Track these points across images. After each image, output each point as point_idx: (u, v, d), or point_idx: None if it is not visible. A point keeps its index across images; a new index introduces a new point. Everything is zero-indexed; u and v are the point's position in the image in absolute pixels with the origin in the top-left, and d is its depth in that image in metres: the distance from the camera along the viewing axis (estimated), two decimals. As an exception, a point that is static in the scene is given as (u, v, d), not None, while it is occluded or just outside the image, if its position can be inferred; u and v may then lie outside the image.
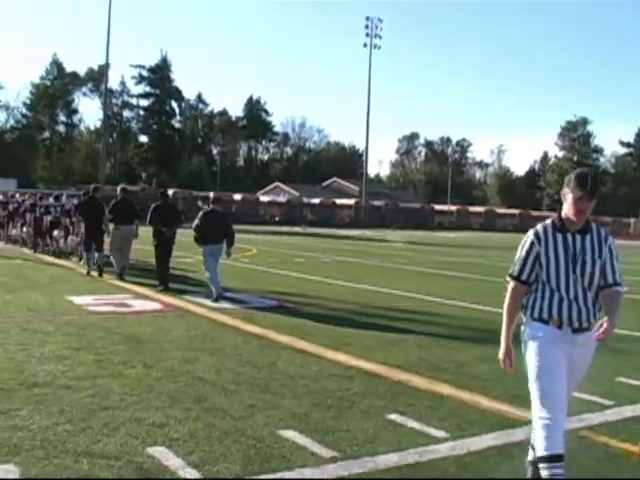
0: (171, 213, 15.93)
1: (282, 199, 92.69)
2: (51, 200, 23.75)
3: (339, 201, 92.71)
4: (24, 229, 25.54)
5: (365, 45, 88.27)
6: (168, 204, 16.29)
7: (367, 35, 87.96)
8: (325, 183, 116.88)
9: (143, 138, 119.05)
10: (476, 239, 57.60)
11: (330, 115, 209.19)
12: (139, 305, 12.64)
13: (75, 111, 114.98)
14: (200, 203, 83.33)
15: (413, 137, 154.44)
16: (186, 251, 26.89)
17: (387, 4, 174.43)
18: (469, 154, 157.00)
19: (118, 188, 17.99)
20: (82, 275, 17.41)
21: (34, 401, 6.40)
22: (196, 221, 14.29)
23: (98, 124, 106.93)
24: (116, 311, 11.87)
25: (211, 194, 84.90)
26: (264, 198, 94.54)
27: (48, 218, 22.99)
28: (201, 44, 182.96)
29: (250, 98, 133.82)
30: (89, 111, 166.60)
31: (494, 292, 17.00)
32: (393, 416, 6.28)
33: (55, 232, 22.75)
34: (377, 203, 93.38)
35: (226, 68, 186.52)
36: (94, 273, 17.28)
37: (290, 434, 5.71)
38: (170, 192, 75.57)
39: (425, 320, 12.24)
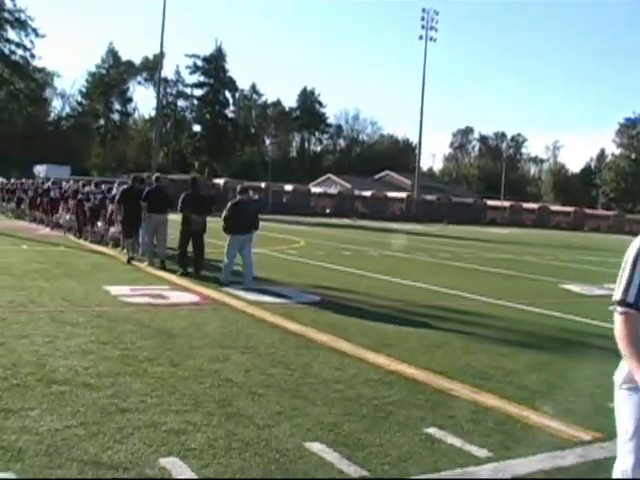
0: (202, 201, 16.00)
1: (333, 191, 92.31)
2: (92, 187, 23.72)
3: (391, 194, 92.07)
4: (67, 216, 25.55)
5: (421, 37, 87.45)
6: (199, 192, 16.29)
7: (423, 27, 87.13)
8: (377, 176, 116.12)
9: (196, 127, 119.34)
10: (529, 236, 56.55)
11: (384, 108, 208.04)
12: (176, 297, 12.25)
13: (130, 100, 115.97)
14: (251, 193, 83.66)
15: (467, 131, 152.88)
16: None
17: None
18: (524, 149, 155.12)
19: (153, 177, 18.00)
20: (123, 264, 17.17)
21: (49, 400, 6.01)
22: (225, 212, 14.38)
23: (152, 113, 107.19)
24: (151, 303, 11.50)
25: (262, 184, 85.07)
26: (315, 189, 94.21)
27: (88, 205, 23.03)
28: (256, 35, 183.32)
29: (304, 89, 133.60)
30: (144, 100, 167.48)
31: (546, 293, 16.42)
32: (432, 430, 5.75)
33: (99, 223, 22.75)
34: (429, 197, 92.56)
35: (281, 59, 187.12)
36: (136, 262, 17.11)
37: (317, 447, 5.22)
38: (221, 181, 76.40)
39: (472, 321, 11.66)
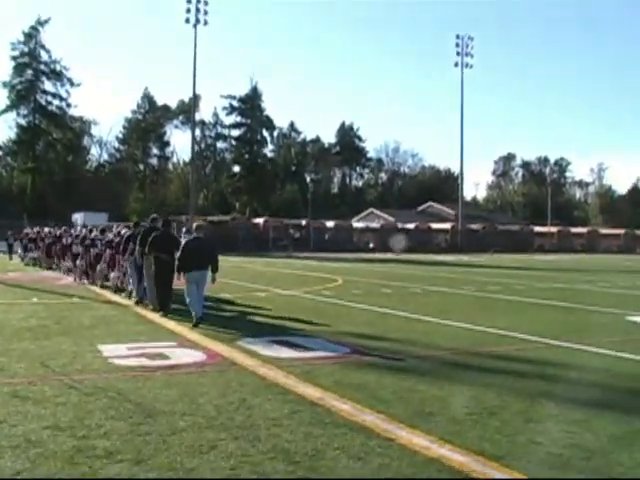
0: (170, 241, 15.98)
1: (376, 225, 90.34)
2: (97, 233, 23.39)
3: (435, 225, 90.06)
4: (77, 262, 25.16)
5: (456, 64, 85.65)
6: (168, 233, 16.48)
7: (458, 54, 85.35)
8: (421, 208, 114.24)
9: (236, 168, 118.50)
10: (580, 262, 53.94)
11: (424, 139, 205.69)
12: (178, 356, 10.35)
13: (167, 143, 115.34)
14: (292, 231, 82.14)
15: (509, 158, 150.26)
16: (259, 283, 24.88)
17: (477, 22, 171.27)
18: (568, 173, 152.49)
19: (152, 217, 17.82)
20: (134, 315, 15.43)
21: None
22: (179, 251, 14.37)
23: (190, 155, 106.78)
24: (146, 366, 9.62)
25: (303, 221, 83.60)
26: (357, 224, 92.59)
27: (95, 251, 22.58)
28: (291, 73, 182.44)
29: (342, 124, 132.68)
30: (182, 143, 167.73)
31: (614, 329, 14.22)
32: None
33: (98, 267, 22.20)
34: (474, 226, 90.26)
35: (317, 96, 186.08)
36: (148, 312, 15.74)
37: None
38: (261, 221, 75.14)
39: (532, 372, 9.53)
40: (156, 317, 15.12)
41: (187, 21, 70.73)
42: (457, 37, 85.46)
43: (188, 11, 70.54)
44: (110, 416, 6.94)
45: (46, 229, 34.86)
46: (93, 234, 23.17)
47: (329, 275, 30.77)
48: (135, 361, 9.93)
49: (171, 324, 14.03)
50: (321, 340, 11.98)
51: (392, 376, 9.00)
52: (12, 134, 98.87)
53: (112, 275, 20.57)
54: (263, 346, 11.23)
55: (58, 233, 29.42)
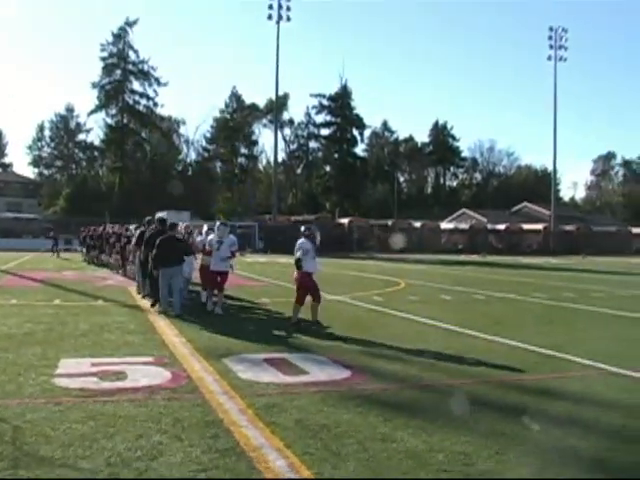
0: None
1: (464, 226, 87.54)
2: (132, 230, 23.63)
3: (526, 226, 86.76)
4: (112, 256, 27.44)
5: (549, 58, 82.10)
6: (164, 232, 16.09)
7: (551, 47, 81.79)
8: (515, 208, 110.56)
9: (327, 168, 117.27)
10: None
11: (520, 137, 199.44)
12: (138, 377, 8.59)
13: (255, 142, 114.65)
14: (379, 232, 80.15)
15: (609, 157, 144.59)
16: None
17: (571, 13, 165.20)
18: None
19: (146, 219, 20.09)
20: (143, 324, 13.86)
21: None
22: (155, 249, 15.24)
23: (281, 155, 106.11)
24: (87, 389, 7.96)
25: (389, 222, 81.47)
26: (446, 225, 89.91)
27: (129, 247, 22.92)
28: (383, 72, 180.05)
29: (436, 123, 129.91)
30: (271, 142, 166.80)
31: None
32: None
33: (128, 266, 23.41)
34: (568, 228, 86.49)
35: (410, 95, 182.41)
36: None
37: None
38: (345, 221, 73.38)
39: (564, 414, 7.48)
40: (165, 324, 13.58)
41: (269, 17, 69.47)
42: (550, 29, 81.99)
43: (270, 7, 69.33)
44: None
45: (101, 228, 34.00)
46: (129, 232, 23.57)
47: (394, 278, 28.77)
48: (81, 382, 8.31)
49: (173, 333, 12.44)
50: (324, 359, 10.14)
51: (374, 415, 7.07)
52: (101, 134, 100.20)
53: (128, 268, 22.25)
54: (249, 365, 9.48)
55: (100, 230, 28.71)
